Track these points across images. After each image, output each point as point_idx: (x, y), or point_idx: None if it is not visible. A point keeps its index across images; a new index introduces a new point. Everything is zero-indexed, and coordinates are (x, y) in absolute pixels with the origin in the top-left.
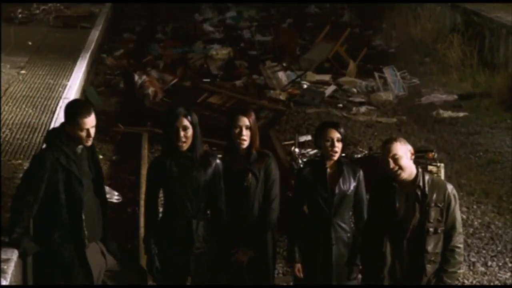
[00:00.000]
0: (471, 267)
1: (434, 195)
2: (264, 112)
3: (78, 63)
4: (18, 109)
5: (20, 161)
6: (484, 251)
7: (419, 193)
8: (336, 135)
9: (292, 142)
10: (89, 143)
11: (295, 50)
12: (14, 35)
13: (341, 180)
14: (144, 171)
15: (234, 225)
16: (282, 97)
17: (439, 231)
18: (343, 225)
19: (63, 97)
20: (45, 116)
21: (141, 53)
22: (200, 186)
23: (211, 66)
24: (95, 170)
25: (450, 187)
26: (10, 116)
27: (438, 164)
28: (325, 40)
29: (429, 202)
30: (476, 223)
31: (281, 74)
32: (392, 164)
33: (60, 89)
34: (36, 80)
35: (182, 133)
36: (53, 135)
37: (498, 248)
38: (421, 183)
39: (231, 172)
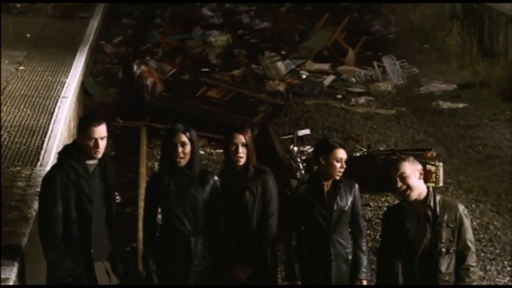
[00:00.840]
0: None
1: (446, 216)
2: (263, 106)
3: (76, 58)
4: (16, 110)
5: (18, 168)
6: (482, 254)
7: (429, 213)
8: (345, 156)
9: (290, 136)
10: (98, 155)
11: (294, 36)
12: (12, 26)
13: (338, 197)
14: (143, 169)
15: (232, 242)
16: (281, 87)
17: (451, 251)
18: (342, 241)
19: (61, 96)
20: (44, 118)
21: (140, 40)
22: (198, 203)
23: (210, 54)
24: (107, 189)
25: (461, 207)
26: (9, 117)
27: (437, 164)
28: (324, 27)
29: (440, 222)
30: (474, 223)
31: (280, 64)
32: (399, 183)
33: (58, 87)
34: (35, 77)
35: (180, 149)
36: (64, 151)
37: (497, 251)
38: (431, 203)
39: (229, 189)
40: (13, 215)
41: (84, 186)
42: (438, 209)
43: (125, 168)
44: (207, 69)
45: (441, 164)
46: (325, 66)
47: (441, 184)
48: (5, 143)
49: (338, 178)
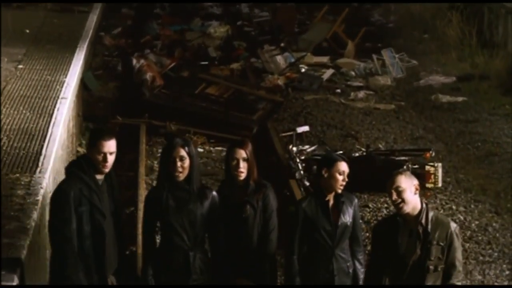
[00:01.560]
0: (468, 276)
1: (437, 233)
2: (262, 103)
3: (76, 55)
4: (15, 112)
5: (17, 175)
6: (481, 257)
7: (421, 230)
8: (347, 169)
9: (290, 133)
10: (106, 169)
11: (294, 28)
12: (11, 21)
13: (341, 213)
14: (142, 169)
15: (233, 256)
16: (280, 81)
17: (439, 269)
18: (344, 255)
19: (60, 97)
20: (43, 120)
21: (139, 31)
22: (197, 218)
23: (209, 46)
24: (114, 204)
25: (453, 225)
26: (8, 120)
27: (436, 165)
28: (324, 19)
29: (431, 240)
30: (473, 225)
31: (279, 58)
32: (394, 196)
33: (57, 87)
34: (34, 77)
35: (179, 164)
36: (74, 165)
37: (495, 254)
38: (423, 220)
39: (230, 203)
40: (12, 226)
41: (96, 200)
42: (429, 226)
43: (124, 167)
44: (206, 62)
45: (440, 164)
46: (325, 59)
47: (440, 184)
48: (4, 147)
49: (340, 191)
